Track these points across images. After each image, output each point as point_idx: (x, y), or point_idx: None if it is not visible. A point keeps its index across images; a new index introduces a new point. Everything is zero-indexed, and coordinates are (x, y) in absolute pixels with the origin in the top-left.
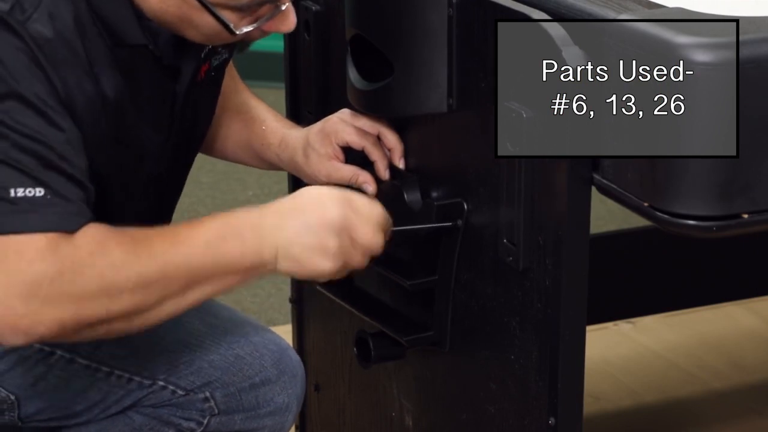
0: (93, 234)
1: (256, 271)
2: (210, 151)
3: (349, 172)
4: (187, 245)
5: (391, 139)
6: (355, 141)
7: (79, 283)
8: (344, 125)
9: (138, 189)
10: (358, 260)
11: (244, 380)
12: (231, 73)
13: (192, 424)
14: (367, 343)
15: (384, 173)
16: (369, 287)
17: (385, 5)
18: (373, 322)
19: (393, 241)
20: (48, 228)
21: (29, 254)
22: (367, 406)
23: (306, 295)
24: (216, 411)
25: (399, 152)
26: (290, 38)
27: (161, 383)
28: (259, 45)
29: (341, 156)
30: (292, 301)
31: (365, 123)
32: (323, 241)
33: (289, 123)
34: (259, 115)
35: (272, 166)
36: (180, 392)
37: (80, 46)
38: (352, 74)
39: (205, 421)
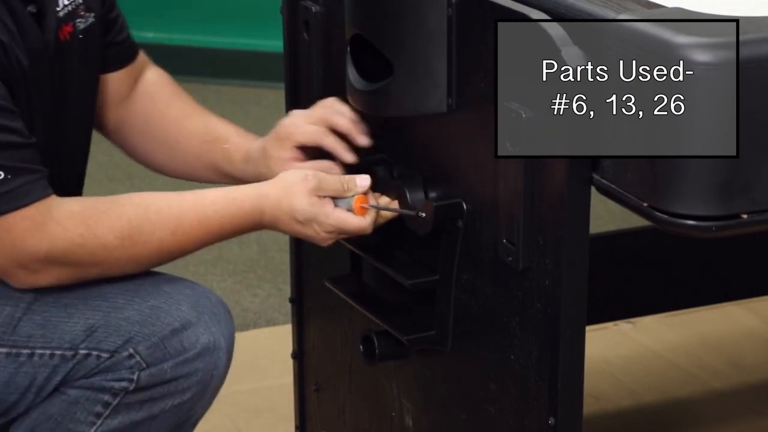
0: (75, 211)
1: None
2: (180, 176)
3: (311, 167)
4: (188, 238)
5: (342, 123)
6: (308, 138)
7: (73, 259)
8: (295, 127)
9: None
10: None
11: (164, 328)
12: (184, 99)
13: (124, 383)
14: (372, 342)
15: (345, 157)
16: (374, 285)
17: (385, 5)
18: (376, 320)
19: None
20: (29, 202)
21: (18, 232)
22: (367, 406)
23: (306, 295)
24: (144, 365)
25: (355, 133)
26: (290, 38)
27: (83, 351)
28: (259, 45)
29: (301, 156)
30: (292, 301)
31: (315, 118)
32: (312, 237)
33: (251, 137)
34: (221, 135)
35: (241, 181)
36: (104, 356)
37: None
38: (352, 74)
39: (135, 377)
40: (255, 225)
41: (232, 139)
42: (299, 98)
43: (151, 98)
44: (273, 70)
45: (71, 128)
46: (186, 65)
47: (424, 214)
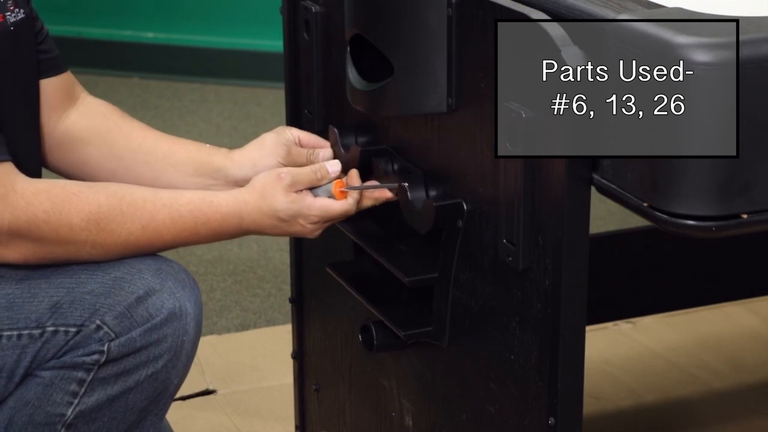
0: (41, 189)
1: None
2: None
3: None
4: (159, 236)
5: (307, 140)
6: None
7: (36, 234)
8: (278, 165)
9: None
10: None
11: (128, 297)
12: (148, 132)
13: (95, 356)
14: (371, 332)
15: (328, 155)
16: (375, 277)
17: (384, 5)
18: (375, 312)
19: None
20: None
21: None
22: (367, 406)
23: (306, 295)
24: (112, 335)
25: (321, 146)
26: (290, 38)
27: (51, 329)
28: (259, 45)
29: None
30: (292, 301)
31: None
32: (298, 231)
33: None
34: (211, 165)
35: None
36: (72, 330)
37: None
38: (352, 74)
39: (105, 348)
40: (234, 230)
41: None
42: (299, 98)
43: (103, 115)
44: (273, 70)
45: (18, 132)
46: (186, 65)
47: (406, 184)
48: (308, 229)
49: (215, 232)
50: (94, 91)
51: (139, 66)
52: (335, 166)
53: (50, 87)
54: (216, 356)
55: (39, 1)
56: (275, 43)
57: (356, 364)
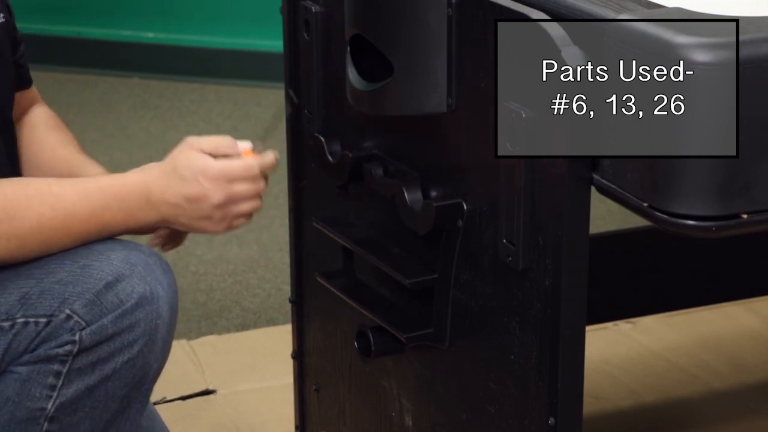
0: None
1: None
2: None
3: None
4: (71, 214)
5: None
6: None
7: None
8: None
9: None
10: (241, 219)
11: (97, 283)
12: (64, 132)
13: (68, 347)
14: (368, 338)
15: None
16: (370, 282)
17: (384, 5)
18: (373, 317)
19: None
20: None
21: None
22: (367, 406)
23: (306, 295)
24: (83, 323)
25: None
26: (290, 38)
27: (21, 320)
28: (259, 45)
29: None
30: (292, 301)
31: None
32: (207, 213)
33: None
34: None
35: None
36: (42, 321)
37: None
38: (352, 74)
39: (77, 338)
40: (142, 200)
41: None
42: (299, 98)
43: (31, 126)
44: (273, 70)
45: None
46: (186, 65)
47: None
48: (211, 191)
49: (127, 206)
50: (94, 91)
51: (139, 66)
52: (244, 142)
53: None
54: (216, 356)
55: (39, 1)
56: (275, 43)
57: (356, 364)
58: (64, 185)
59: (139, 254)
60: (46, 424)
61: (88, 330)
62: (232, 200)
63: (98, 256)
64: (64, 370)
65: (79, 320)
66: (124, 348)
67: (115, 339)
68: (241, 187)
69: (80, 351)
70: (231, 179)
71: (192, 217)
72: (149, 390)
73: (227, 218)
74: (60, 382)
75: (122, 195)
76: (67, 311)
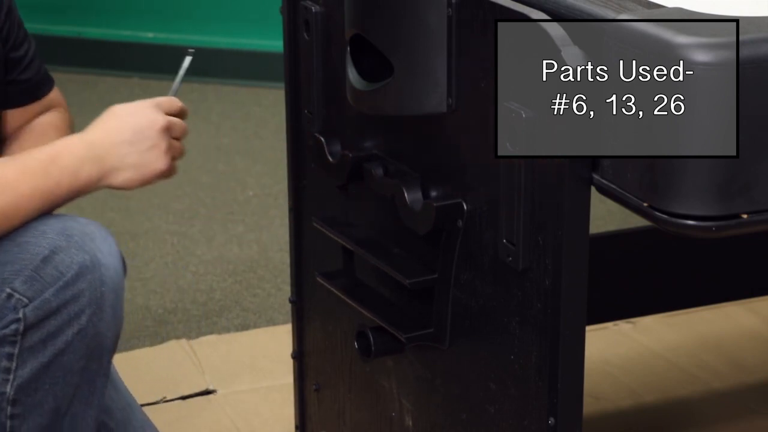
0: None
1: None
2: None
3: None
4: (13, 186)
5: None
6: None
7: None
8: None
9: None
10: (179, 151)
11: (34, 258)
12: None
13: (14, 326)
14: (368, 338)
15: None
16: (370, 282)
17: (384, 5)
18: (373, 317)
19: None
20: None
21: None
22: (367, 406)
23: (306, 295)
24: (25, 300)
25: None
26: (290, 38)
27: None
28: (259, 45)
29: None
30: (292, 301)
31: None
32: (155, 142)
33: None
34: None
35: None
36: None
37: None
38: (352, 74)
39: (21, 315)
40: (82, 153)
41: None
42: (299, 98)
43: (31, 134)
44: (273, 70)
45: None
46: None
47: (191, 50)
48: (146, 117)
49: (67, 164)
50: (94, 91)
51: (139, 66)
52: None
53: (7, 116)
54: (216, 356)
55: (39, 1)
56: (275, 43)
57: (356, 364)
58: (5, 162)
59: (74, 224)
60: (9, 408)
61: (30, 306)
62: (171, 126)
63: (33, 232)
64: (15, 351)
65: (21, 297)
66: (72, 320)
67: (61, 312)
68: (173, 117)
69: (27, 328)
70: (163, 108)
71: (141, 151)
72: (109, 361)
73: (171, 149)
74: (14, 364)
75: (59, 154)
76: (8, 290)
